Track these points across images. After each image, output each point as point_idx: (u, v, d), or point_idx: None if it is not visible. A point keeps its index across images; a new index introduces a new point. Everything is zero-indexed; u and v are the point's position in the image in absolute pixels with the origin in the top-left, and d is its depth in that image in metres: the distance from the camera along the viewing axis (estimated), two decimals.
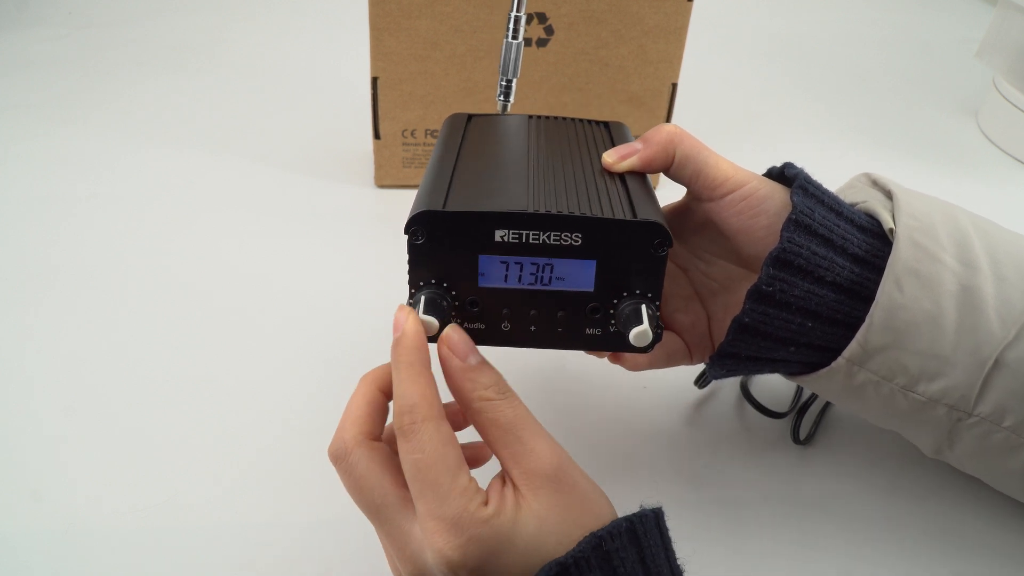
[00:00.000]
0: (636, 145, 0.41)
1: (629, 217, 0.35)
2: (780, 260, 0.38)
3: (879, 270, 0.39)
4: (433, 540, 0.31)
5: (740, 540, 0.44)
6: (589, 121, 0.47)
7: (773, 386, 0.54)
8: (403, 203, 0.70)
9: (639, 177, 0.40)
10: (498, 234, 0.35)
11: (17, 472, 0.46)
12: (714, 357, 0.41)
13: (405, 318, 0.35)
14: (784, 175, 0.41)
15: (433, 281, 0.37)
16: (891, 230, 0.39)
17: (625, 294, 0.37)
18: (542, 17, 0.64)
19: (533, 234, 0.35)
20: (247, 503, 0.45)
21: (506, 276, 0.36)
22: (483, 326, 0.38)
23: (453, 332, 0.36)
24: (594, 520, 0.33)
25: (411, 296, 0.37)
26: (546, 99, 0.68)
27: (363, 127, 0.71)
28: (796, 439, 0.50)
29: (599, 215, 0.35)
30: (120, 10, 1.02)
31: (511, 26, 0.49)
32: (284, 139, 0.78)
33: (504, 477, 0.34)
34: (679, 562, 0.34)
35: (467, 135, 0.44)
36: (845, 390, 0.41)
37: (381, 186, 0.72)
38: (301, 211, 0.69)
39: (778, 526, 0.45)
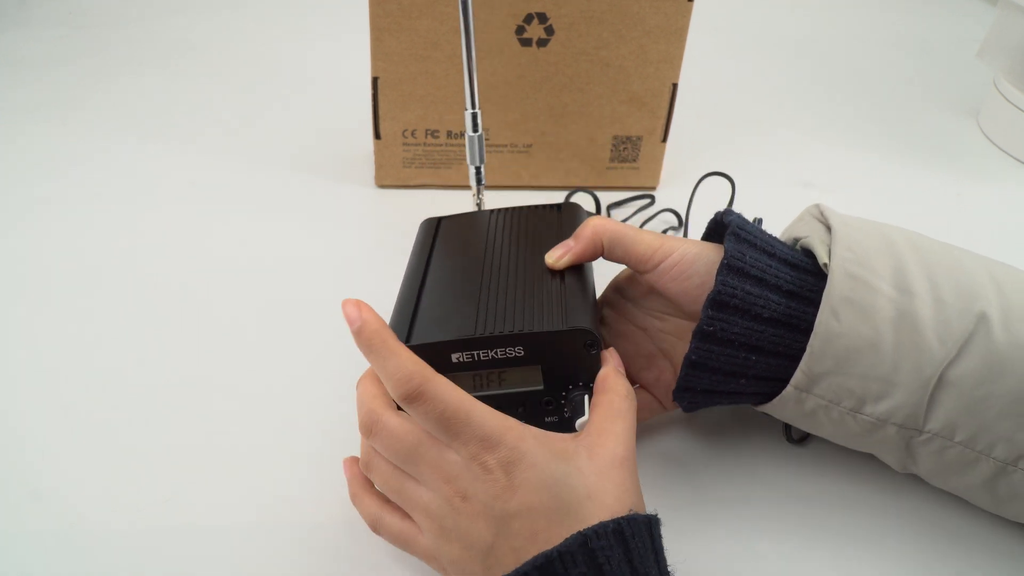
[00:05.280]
0: (570, 243, 0.45)
1: (560, 327, 0.40)
2: (717, 302, 0.41)
3: (814, 303, 0.41)
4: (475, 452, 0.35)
5: (737, 539, 0.44)
6: (546, 207, 0.52)
7: None
8: (403, 203, 0.71)
9: (577, 272, 0.45)
10: (454, 357, 0.41)
11: (17, 472, 0.46)
12: (675, 391, 0.45)
13: (357, 309, 0.37)
14: (723, 222, 0.44)
15: None
16: (825, 264, 0.42)
17: (570, 386, 0.43)
18: (542, 17, 0.64)
19: (483, 352, 0.41)
20: (247, 503, 0.45)
21: (471, 387, 0.42)
22: None
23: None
24: (577, 523, 0.34)
25: None
26: (546, 99, 0.68)
27: (363, 127, 0.70)
28: (791, 439, 0.50)
29: (533, 330, 0.40)
30: (120, 10, 1.02)
31: (469, 122, 0.56)
32: (284, 139, 0.78)
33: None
34: (670, 569, 0.35)
35: (434, 252, 0.49)
36: (800, 415, 0.44)
37: (381, 186, 0.72)
38: (301, 211, 0.69)
39: (775, 525, 0.45)
